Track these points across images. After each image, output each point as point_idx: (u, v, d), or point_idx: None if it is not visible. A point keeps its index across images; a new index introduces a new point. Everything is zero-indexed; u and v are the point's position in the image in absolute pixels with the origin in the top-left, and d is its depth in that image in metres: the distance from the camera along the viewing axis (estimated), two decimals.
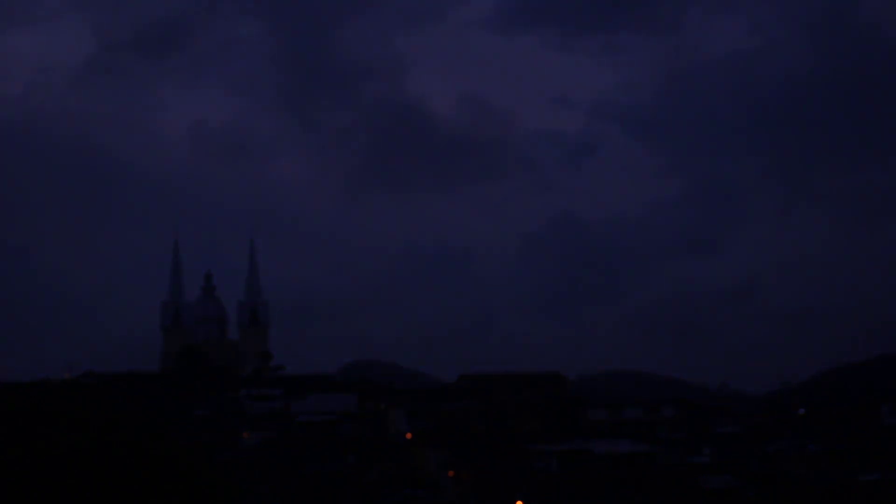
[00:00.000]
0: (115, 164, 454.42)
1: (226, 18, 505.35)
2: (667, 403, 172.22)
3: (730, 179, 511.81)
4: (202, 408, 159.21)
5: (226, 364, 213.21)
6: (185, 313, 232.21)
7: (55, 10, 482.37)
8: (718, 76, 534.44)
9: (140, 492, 32.46)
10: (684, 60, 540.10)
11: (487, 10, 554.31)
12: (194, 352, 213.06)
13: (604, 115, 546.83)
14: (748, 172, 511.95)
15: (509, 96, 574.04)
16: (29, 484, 30.78)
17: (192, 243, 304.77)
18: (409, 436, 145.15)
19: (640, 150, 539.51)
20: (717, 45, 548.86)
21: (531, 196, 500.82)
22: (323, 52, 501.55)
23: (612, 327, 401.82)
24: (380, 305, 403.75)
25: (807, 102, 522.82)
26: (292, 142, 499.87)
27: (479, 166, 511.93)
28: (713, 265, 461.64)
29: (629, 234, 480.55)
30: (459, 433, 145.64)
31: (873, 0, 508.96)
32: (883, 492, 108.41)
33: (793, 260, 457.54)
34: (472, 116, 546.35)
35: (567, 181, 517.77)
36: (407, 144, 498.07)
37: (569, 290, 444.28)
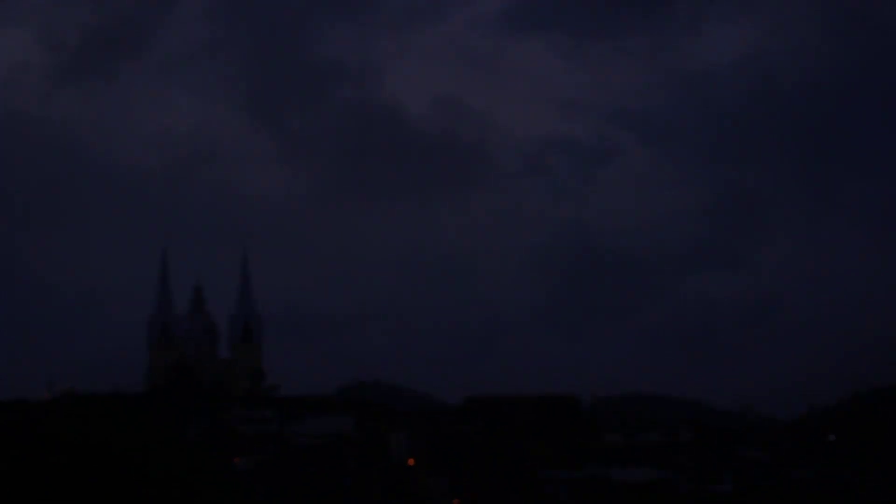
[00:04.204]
0: (92, 169, 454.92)
1: (189, 20, 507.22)
2: (686, 427, 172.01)
3: (752, 188, 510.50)
4: (191, 430, 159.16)
5: (216, 383, 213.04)
6: (174, 328, 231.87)
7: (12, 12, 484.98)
8: (738, 80, 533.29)
9: None
10: (701, 64, 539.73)
11: (492, 11, 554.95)
12: (183, 370, 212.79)
13: (618, 121, 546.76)
14: (771, 181, 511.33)
15: (515, 102, 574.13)
16: None
17: (180, 253, 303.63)
18: (411, 461, 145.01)
19: (656, 158, 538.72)
20: (736, 47, 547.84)
21: (541, 206, 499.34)
22: (294, 54, 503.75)
23: (628, 346, 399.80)
24: (379, 321, 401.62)
25: (833, 107, 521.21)
26: (263, 148, 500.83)
27: (481, 174, 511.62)
28: (735, 279, 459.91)
29: (645, 246, 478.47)
30: (465, 459, 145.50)
31: None
32: None
33: (820, 274, 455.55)
34: (471, 122, 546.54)
35: (579, 190, 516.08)
36: (396, 150, 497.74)
37: (581, 305, 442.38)
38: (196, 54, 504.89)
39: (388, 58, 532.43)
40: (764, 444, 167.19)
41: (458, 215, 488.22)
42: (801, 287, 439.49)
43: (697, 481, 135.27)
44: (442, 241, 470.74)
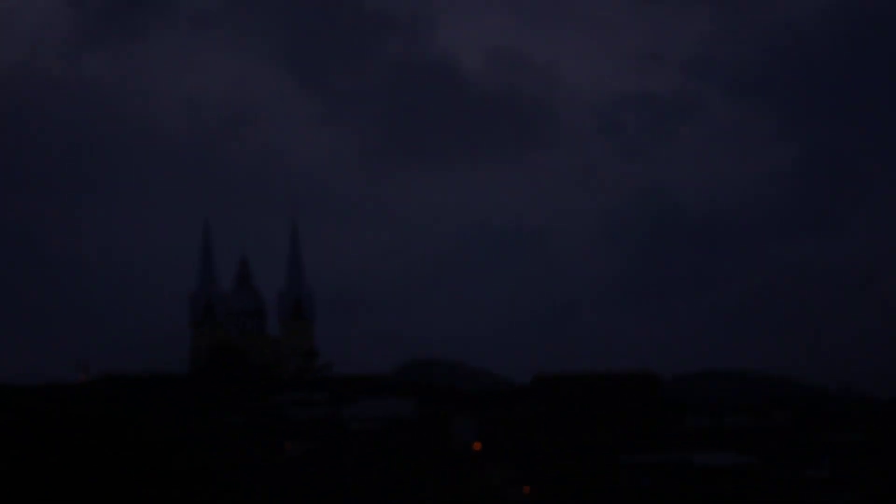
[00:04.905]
0: (123, 134, 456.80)
1: None
2: (777, 407, 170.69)
3: (852, 147, 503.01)
4: (237, 414, 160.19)
5: (264, 364, 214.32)
6: (218, 305, 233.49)
7: None
8: (834, 26, 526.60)
9: None
10: (794, 9, 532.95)
11: None
12: (228, 350, 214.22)
13: (699, 73, 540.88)
14: (874, 138, 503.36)
15: (583, 53, 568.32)
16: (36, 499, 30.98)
17: (223, 224, 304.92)
18: (476, 446, 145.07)
19: (745, 113, 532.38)
20: None
21: (614, 168, 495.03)
22: (338, 6, 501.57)
23: (712, 319, 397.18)
24: (440, 295, 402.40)
25: None
26: (307, 109, 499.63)
27: (547, 134, 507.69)
28: (831, 247, 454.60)
29: (729, 210, 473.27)
30: (535, 443, 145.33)
31: None
32: None
33: None
34: (534, 77, 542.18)
35: (657, 150, 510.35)
36: (451, 109, 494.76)
37: (661, 276, 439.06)
38: (231, 8, 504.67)
39: (441, 7, 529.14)
40: (863, 426, 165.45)
41: (523, 180, 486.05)
42: None
43: (791, 467, 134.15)
44: (505, 208, 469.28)
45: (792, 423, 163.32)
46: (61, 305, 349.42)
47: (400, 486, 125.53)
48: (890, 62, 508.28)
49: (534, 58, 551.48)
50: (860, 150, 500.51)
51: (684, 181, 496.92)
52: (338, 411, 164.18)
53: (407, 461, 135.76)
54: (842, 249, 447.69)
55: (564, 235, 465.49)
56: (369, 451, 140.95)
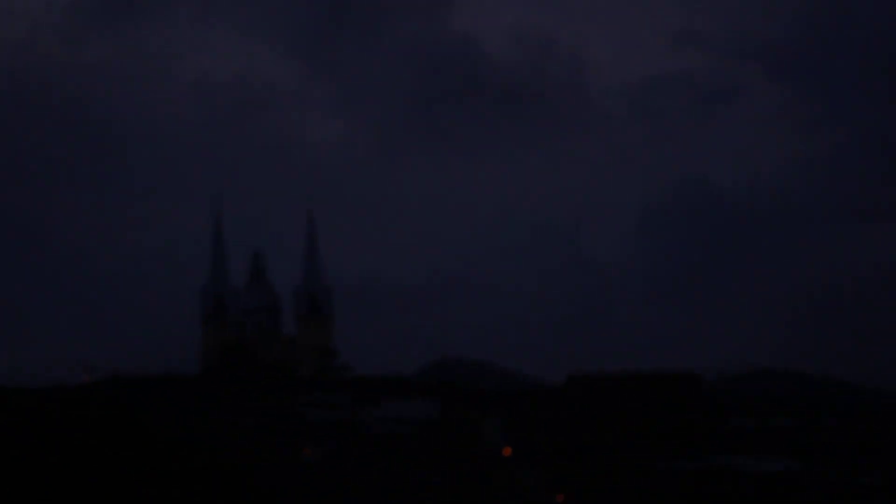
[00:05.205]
0: (129, 122, 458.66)
1: None
2: (828, 410, 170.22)
3: None
4: (251, 416, 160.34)
5: (280, 364, 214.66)
6: (230, 302, 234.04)
7: None
8: (887, 1, 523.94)
9: None
10: None
11: None
12: (241, 349, 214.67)
13: (739, 53, 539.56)
14: None
15: (614, 34, 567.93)
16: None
17: (235, 216, 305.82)
18: (506, 451, 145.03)
19: (788, 95, 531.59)
20: None
21: (649, 154, 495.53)
22: None
23: (755, 315, 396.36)
24: (466, 291, 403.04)
25: None
26: (320, 94, 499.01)
27: (577, 120, 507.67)
28: (885, 236, 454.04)
29: (773, 198, 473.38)
30: (568, 447, 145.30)
31: None
32: None
33: None
34: (562, 58, 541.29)
35: (694, 135, 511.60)
36: (473, 93, 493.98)
37: (700, 269, 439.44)
38: None
39: None
40: None
41: (552, 167, 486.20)
42: None
43: (841, 473, 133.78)
44: (534, 198, 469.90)
45: (842, 426, 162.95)
46: (63, 303, 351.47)
47: (424, 493, 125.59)
48: None
49: (560, 37, 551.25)
50: None
51: (724, 168, 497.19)
52: (358, 414, 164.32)
53: (432, 467, 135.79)
54: (893, 239, 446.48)
55: (597, 227, 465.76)
56: (392, 456, 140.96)
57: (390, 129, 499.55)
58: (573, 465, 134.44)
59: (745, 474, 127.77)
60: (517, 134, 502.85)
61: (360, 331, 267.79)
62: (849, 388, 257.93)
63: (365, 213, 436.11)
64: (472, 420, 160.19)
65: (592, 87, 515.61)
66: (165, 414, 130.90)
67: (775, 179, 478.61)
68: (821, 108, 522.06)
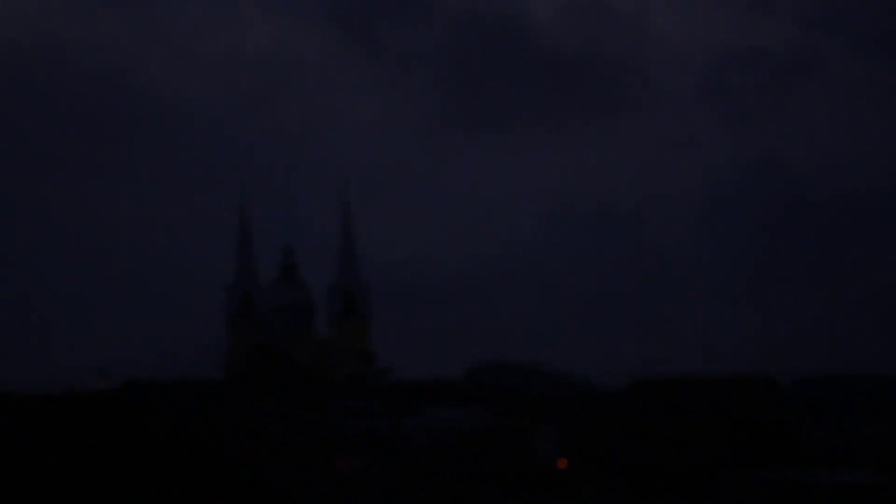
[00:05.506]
0: (145, 103, 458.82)
1: None
2: None
3: None
4: (281, 426, 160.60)
5: (312, 368, 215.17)
6: (258, 301, 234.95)
7: None
8: None
9: None
10: None
11: None
12: (270, 352, 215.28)
13: (821, 25, 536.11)
14: None
15: (680, 3, 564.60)
16: None
17: (263, 207, 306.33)
18: (562, 463, 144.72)
19: (874, 71, 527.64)
20: None
21: (720, 136, 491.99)
22: None
23: (839, 313, 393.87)
24: (516, 288, 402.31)
25: None
26: (355, 72, 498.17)
27: (638, 99, 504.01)
28: None
29: (858, 185, 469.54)
30: (631, 459, 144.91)
31: None
32: None
33: None
34: (620, 30, 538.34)
35: (770, 116, 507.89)
36: (521, 69, 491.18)
37: (777, 263, 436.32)
38: None
39: None
40: None
41: (608, 150, 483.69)
42: None
43: None
44: (589, 183, 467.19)
45: None
46: (77, 303, 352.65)
47: None
48: None
49: (617, 6, 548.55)
50: None
51: (803, 152, 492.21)
52: (398, 422, 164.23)
53: (479, 480, 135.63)
54: None
55: (661, 218, 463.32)
56: (434, 469, 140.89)
57: (432, 108, 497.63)
58: (637, 477, 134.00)
59: (825, 488, 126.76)
60: (569, 113, 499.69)
61: (401, 331, 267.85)
62: None
63: (405, 200, 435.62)
64: (523, 429, 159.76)
65: (654, 62, 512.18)
66: (187, 423, 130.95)
67: (859, 162, 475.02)
68: None
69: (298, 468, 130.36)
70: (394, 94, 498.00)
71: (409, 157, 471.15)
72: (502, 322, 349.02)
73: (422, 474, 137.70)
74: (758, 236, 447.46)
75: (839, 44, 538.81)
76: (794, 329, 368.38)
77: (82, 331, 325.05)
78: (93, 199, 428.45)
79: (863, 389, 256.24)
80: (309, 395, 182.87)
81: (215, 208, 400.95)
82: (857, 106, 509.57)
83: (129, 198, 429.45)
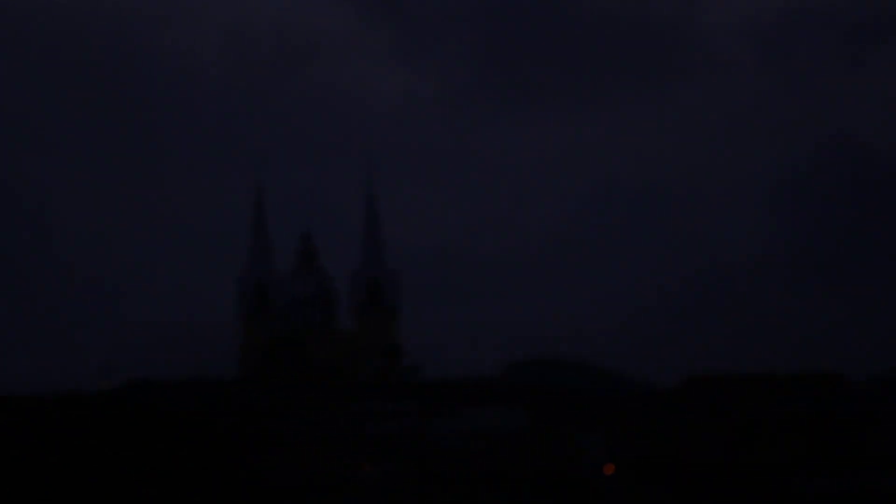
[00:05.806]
0: (154, 74, 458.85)
1: None
2: None
3: None
4: (300, 427, 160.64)
5: (334, 364, 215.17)
6: (274, 292, 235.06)
7: None
8: None
9: None
10: None
11: None
12: (288, 346, 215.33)
13: None
14: None
15: None
16: None
17: (281, 190, 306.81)
18: (609, 468, 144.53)
19: None
20: None
21: (783, 107, 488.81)
22: None
23: None
24: (557, 277, 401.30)
25: None
26: (377, 43, 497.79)
27: (692, 66, 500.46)
28: None
29: None
30: (686, 463, 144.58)
31: None
32: None
33: None
34: None
35: (840, 83, 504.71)
36: (557, 35, 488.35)
37: (849, 249, 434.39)
38: None
39: None
40: None
41: (660, 125, 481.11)
42: None
43: None
44: (638, 163, 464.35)
45: None
46: (80, 296, 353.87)
47: None
48: None
49: None
50: None
51: (878, 124, 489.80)
52: (427, 425, 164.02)
53: (518, 487, 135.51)
54: None
55: (718, 197, 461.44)
56: (468, 475, 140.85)
57: (461, 80, 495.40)
58: (693, 483, 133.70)
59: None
60: (615, 83, 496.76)
61: (431, 324, 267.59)
62: None
63: (435, 181, 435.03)
64: (566, 431, 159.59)
65: (708, 25, 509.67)
66: (194, 424, 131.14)
67: None
68: None
69: (317, 475, 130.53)
70: (420, 65, 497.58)
71: (438, 134, 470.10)
72: (542, 314, 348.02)
73: (454, 482, 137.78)
74: (829, 222, 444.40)
75: None
76: (869, 322, 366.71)
77: (86, 329, 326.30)
78: (95, 183, 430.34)
79: None
80: (330, 394, 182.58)
81: (228, 191, 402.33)
82: None
83: (136, 182, 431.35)
